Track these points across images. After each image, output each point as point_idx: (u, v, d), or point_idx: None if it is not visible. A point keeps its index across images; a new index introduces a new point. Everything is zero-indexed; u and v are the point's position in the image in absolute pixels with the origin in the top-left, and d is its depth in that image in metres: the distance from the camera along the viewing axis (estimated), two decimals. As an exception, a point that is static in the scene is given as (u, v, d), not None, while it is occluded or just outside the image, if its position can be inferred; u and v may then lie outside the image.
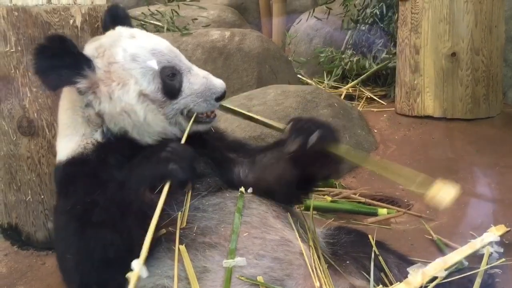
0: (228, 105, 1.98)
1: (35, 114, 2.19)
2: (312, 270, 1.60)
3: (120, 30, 1.88)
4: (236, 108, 2.02)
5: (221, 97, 1.85)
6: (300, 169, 1.74)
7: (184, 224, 1.61)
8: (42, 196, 2.29)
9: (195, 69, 1.87)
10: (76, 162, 1.76)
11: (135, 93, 1.72)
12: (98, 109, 1.76)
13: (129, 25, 1.99)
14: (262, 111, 3.46)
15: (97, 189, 1.59)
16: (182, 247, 1.54)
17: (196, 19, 5.82)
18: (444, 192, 1.53)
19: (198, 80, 1.82)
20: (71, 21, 2.14)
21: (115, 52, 1.76)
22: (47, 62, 1.66)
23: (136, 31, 1.91)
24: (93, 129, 1.79)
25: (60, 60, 1.67)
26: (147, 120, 1.75)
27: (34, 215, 2.32)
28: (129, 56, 1.75)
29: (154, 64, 1.75)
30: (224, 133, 2.09)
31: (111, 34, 1.87)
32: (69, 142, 1.82)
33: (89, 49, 1.81)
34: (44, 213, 2.30)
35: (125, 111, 1.73)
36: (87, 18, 2.15)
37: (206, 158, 1.85)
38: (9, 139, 2.25)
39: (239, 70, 4.49)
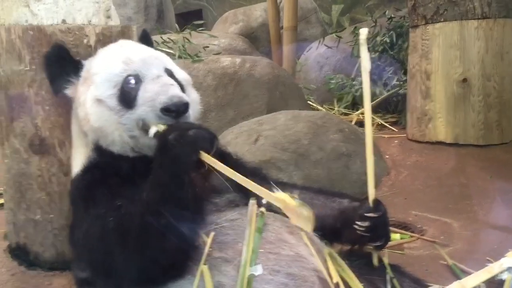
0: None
1: (47, 132, 2.19)
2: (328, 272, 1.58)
3: (120, 41, 1.97)
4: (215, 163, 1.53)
5: (167, 109, 1.61)
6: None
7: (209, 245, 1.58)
8: (51, 215, 2.26)
9: (164, 78, 1.73)
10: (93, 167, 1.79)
11: (91, 97, 1.74)
12: (77, 114, 1.83)
13: (151, 44, 2.13)
14: (273, 135, 3.45)
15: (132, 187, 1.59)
16: (205, 268, 1.52)
17: (207, 46, 5.90)
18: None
19: (154, 87, 1.67)
20: (85, 41, 2.15)
21: (96, 60, 1.86)
22: (51, 69, 1.88)
23: (127, 42, 1.97)
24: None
25: (61, 66, 1.87)
26: (101, 127, 1.73)
27: (42, 235, 2.29)
28: (101, 63, 1.82)
29: (118, 71, 1.75)
30: (243, 160, 2.10)
31: (112, 44, 1.96)
32: (78, 154, 1.87)
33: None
34: (52, 233, 2.28)
35: (86, 115, 1.76)
36: (101, 38, 2.17)
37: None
38: (20, 157, 2.24)
39: (250, 96, 4.50)
